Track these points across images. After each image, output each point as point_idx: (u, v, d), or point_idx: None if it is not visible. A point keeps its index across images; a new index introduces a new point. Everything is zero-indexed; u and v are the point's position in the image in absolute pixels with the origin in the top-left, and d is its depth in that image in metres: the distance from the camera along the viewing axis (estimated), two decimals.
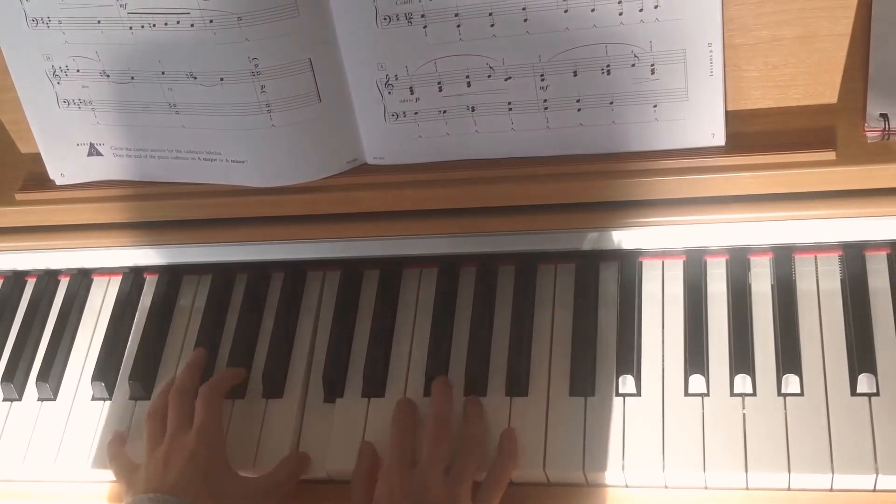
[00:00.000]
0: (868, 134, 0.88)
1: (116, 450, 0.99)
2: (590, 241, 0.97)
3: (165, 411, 0.97)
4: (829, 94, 0.89)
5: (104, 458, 1.00)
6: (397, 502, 0.86)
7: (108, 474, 1.00)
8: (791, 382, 0.89)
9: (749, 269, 0.96)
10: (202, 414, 0.95)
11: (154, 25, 0.92)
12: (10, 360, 1.09)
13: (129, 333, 1.09)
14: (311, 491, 0.96)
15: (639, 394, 0.92)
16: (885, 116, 0.87)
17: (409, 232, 1.00)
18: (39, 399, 1.06)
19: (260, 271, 1.09)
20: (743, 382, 0.90)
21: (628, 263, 0.99)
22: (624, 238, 0.96)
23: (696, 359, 0.92)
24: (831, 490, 0.86)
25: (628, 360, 0.93)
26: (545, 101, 0.92)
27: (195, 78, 0.95)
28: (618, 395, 0.92)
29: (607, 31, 0.87)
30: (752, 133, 0.90)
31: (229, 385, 0.99)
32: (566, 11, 0.86)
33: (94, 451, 1.01)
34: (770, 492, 0.87)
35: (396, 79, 0.93)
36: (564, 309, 0.99)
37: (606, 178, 0.93)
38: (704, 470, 0.87)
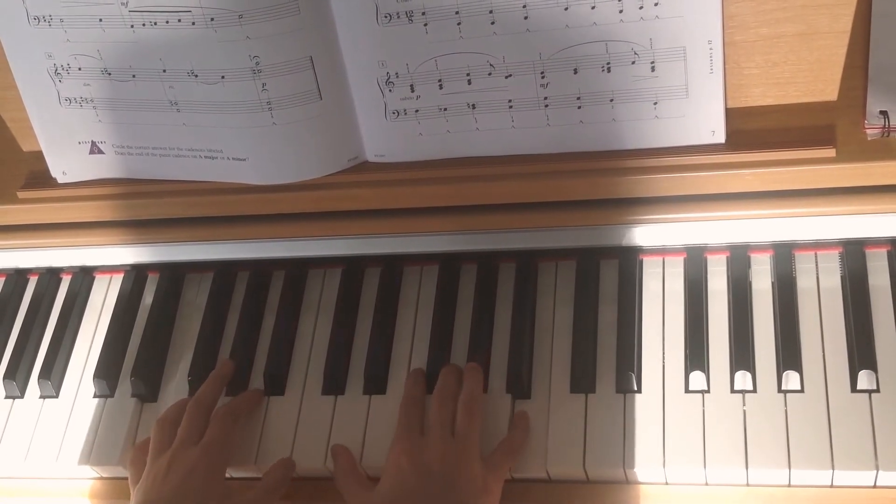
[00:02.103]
0: (868, 131, 0.88)
1: (135, 454, 0.98)
2: (590, 238, 0.97)
3: (176, 422, 0.97)
4: (829, 91, 0.89)
5: (106, 454, 1.00)
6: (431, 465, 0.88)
7: (109, 471, 1.01)
8: (791, 379, 0.89)
9: (749, 266, 0.97)
10: (212, 432, 0.94)
11: (155, 24, 0.93)
12: (13, 357, 1.09)
13: (131, 331, 1.09)
14: (311, 487, 0.96)
15: (639, 391, 0.92)
16: (885, 113, 0.87)
17: (409, 229, 1.00)
18: (41, 396, 1.06)
19: (261, 269, 1.09)
20: (743, 379, 0.90)
21: (629, 260, 0.99)
22: (624, 235, 0.96)
23: (696, 355, 0.92)
24: (832, 486, 0.86)
25: (629, 357, 0.93)
26: (545, 98, 0.92)
27: (196, 76, 0.95)
28: (618, 392, 0.92)
29: (607, 29, 0.87)
30: (752, 130, 0.90)
31: (248, 409, 0.99)
32: (566, 9, 0.86)
33: (95, 449, 1.01)
34: (770, 488, 0.87)
35: (397, 76, 0.93)
36: (565, 306, 0.99)
37: (607, 176, 0.93)
38: (705, 466, 0.87)
